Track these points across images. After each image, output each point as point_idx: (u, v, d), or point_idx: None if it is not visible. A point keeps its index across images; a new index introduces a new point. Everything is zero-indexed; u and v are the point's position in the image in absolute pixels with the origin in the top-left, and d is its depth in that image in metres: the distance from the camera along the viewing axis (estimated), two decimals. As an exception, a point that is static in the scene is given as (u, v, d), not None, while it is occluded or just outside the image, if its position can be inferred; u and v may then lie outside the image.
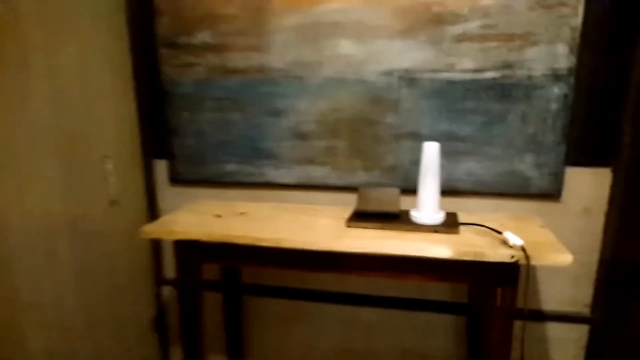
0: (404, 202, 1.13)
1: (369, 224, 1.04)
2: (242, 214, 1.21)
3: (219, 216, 1.19)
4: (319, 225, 1.08)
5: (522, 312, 0.99)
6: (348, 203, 1.28)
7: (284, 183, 1.32)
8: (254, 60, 1.25)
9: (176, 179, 1.40)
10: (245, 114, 1.30)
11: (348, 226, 1.06)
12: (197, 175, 1.37)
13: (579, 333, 1.22)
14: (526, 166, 1.14)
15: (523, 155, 1.14)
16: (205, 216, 1.19)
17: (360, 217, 1.08)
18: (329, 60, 1.21)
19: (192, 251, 1.08)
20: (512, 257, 0.87)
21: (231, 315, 1.42)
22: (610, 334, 1.14)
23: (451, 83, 1.14)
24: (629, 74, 1.06)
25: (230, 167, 1.35)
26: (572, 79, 1.08)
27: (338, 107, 1.23)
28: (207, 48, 1.27)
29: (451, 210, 1.18)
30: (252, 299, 1.45)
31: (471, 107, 1.14)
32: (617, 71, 1.06)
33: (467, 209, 1.20)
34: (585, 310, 1.20)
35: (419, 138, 1.19)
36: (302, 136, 1.28)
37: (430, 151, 1.01)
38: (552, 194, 1.15)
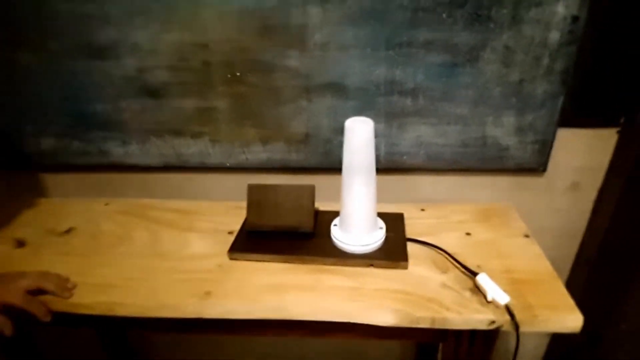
0: (327, 193, 0.73)
1: (266, 254, 0.64)
2: (66, 232, 0.74)
3: (21, 244, 0.72)
4: (185, 258, 0.66)
5: None
6: (244, 192, 0.85)
7: (140, 164, 0.84)
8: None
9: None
10: (45, 54, 0.74)
11: (232, 258, 0.65)
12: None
13: None
14: (503, 131, 0.76)
15: (500, 115, 0.74)
16: (-5, 247, 0.71)
17: (253, 240, 0.67)
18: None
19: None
20: (492, 323, 0.53)
21: None
22: None
23: (394, -4, 0.66)
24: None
25: (47, 143, 0.83)
26: (587, -10, 0.64)
27: (204, 40, 0.71)
28: None
29: (392, 196, 0.80)
30: None
31: (425, 38, 0.68)
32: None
33: (416, 193, 0.83)
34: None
35: (342, 92, 0.74)
36: (151, 92, 0.76)
37: (359, 137, 0.57)
38: (534, 168, 0.79)
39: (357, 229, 0.63)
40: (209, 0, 0.68)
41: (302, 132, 0.78)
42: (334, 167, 0.80)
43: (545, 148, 0.77)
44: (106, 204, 0.82)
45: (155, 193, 0.87)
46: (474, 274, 0.58)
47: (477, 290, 0.57)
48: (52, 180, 0.88)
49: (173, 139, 0.81)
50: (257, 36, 0.70)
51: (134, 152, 0.83)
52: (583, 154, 0.79)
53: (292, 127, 0.78)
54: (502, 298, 0.53)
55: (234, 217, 0.75)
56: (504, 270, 0.60)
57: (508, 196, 0.82)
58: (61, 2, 0.70)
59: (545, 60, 0.69)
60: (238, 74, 0.73)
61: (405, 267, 0.61)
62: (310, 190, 0.67)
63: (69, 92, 0.77)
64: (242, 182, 0.84)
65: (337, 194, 0.80)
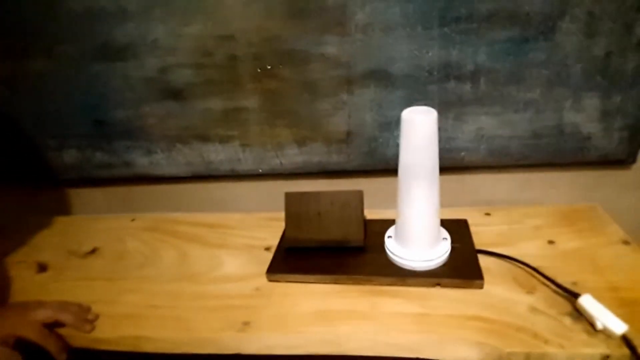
0: (373, 200, 0.63)
1: (310, 275, 0.55)
2: (90, 253, 0.68)
3: (43, 268, 0.66)
4: (218, 280, 0.58)
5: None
6: (279, 201, 0.76)
7: (167, 175, 0.77)
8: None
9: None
10: (60, 59, 0.68)
11: (271, 280, 0.56)
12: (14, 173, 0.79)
13: None
14: (584, 116, 0.63)
15: (580, 98, 0.62)
16: (19, 269, 0.65)
17: (294, 257, 0.58)
18: None
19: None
20: (606, 358, 0.42)
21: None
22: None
23: (449, -38, 0.55)
24: None
25: (69, 156, 0.77)
26: None
27: (229, 31, 0.63)
28: None
29: (448, 199, 0.68)
30: None
31: (488, 10, 0.57)
32: None
33: (477, 194, 0.71)
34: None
35: (388, 81, 0.63)
36: (175, 93, 0.69)
37: (421, 131, 0.47)
38: (622, 160, 0.66)
39: (418, 240, 0.52)
40: (233, -16, 0.59)
41: (343, 130, 0.68)
42: (380, 169, 0.71)
43: (636, 135, 0.64)
44: (132, 220, 0.76)
45: (183, 205, 0.79)
46: (573, 294, 0.46)
47: (580, 315, 0.45)
48: (75, 196, 0.82)
49: (200, 145, 0.73)
50: (288, 22, 0.61)
51: (159, 162, 0.76)
52: (683, 140, 0.65)
53: (332, 124, 0.68)
54: (617, 326, 0.42)
55: (270, 231, 0.67)
56: (608, 288, 0.48)
57: (589, 195, 0.69)
58: (74, 0, 0.63)
59: (638, 28, 0.57)
60: (269, 67, 0.65)
61: (481, 287, 0.50)
62: (359, 197, 0.57)
63: (88, 99, 0.71)
64: (276, 189, 0.76)
65: (384, 200, 0.70)
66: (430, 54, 0.61)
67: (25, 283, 0.63)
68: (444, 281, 0.51)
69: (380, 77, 0.63)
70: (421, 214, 0.51)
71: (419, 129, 0.46)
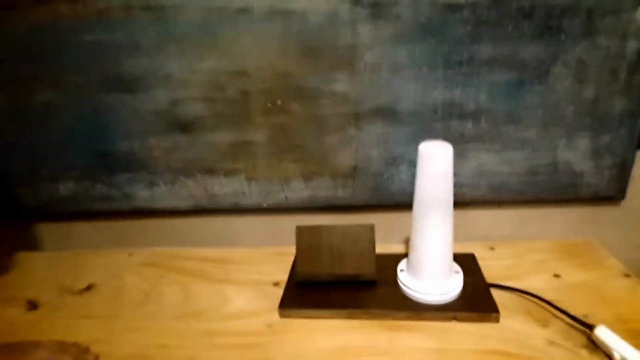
0: (383, 235, 0.63)
1: (325, 309, 0.54)
2: (85, 290, 0.65)
3: (33, 305, 0.62)
4: (227, 317, 0.56)
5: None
6: (284, 236, 0.76)
7: (168, 208, 0.75)
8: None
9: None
10: (67, 89, 0.68)
11: (284, 315, 0.55)
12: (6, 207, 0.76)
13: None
14: (577, 155, 0.67)
15: (573, 137, 0.66)
16: (5, 307, 0.61)
17: (306, 292, 0.57)
18: (214, -26, 0.60)
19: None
20: (627, 393, 0.42)
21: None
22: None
23: (452, 9, 0.60)
24: None
25: (66, 188, 0.75)
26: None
27: (243, 67, 0.65)
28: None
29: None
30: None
31: (488, 54, 0.62)
32: None
33: (477, 229, 0.73)
34: None
35: (394, 118, 0.66)
36: (183, 126, 0.69)
37: (438, 164, 0.49)
38: (612, 196, 0.70)
39: (432, 274, 0.53)
40: (248, 24, 0.62)
41: (350, 164, 0.70)
42: (385, 204, 0.72)
43: (624, 173, 0.68)
44: (130, 255, 0.73)
45: (184, 240, 0.78)
46: (588, 326, 0.47)
47: (596, 347, 0.46)
48: (69, 230, 0.79)
49: (205, 178, 0.73)
50: (301, 60, 0.63)
51: (161, 195, 0.74)
52: (666, 178, 0.70)
53: (339, 159, 0.69)
54: (635, 357, 0.43)
55: (277, 265, 0.66)
56: (618, 320, 0.49)
57: (582, 230, 0.73)
58: (86, 32, 0.64)
59: (623, 74, 0.62)
60: (279, 102, 0.66)
61: (497, 320, 0.50)
62: (370, 231, 0.58)
63: (92, 131, 0.70)
64: (281, 224, 0.75)
65: (390, 235, 0.71)
66: (434, 93, 0.64)
67: (14, 323, 0.59)
68: (460, 315, 0.51)
69: (387, 114, 0.66)
70: (436, 246, 0.52)
71: (436, 162, 0.48)
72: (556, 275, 0.59)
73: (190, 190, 0.74)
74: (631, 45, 0.60)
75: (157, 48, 0.64)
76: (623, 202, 0.71)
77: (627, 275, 0.58)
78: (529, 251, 0.65)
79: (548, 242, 0.67)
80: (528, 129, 0.66)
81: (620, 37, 0.60)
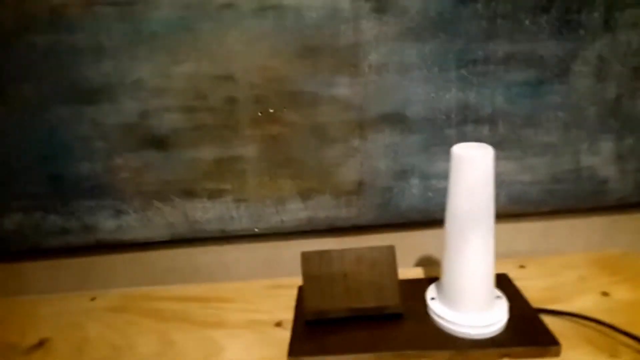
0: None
1: (346, 354, 0.44)
2: (36, 347, 0.51)
3: (-36, 373, 0.48)
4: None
5: None
6: (281, 265, 0.65)
7: (139, 240, 0.63)
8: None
9: None
10: (13, 102, 0.56)
11: (292, 365, 0.44)
12: None
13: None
14: (600, 159, 0.62)
15: (596, 140, 0.61)
16: None
17: (319, 333, 0.47)
18: (194, -37, 0.52)
19: None
20: None
21: None
22: None
23: (464, 2, 0.54)
24: None
25: (11, 220, 0.62)
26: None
27: (228, 71, 0.56)
28: None
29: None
30: None
31: (504, 52, 0.56)
32: None
33: (500, 244, 0.66)
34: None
35: (403, 125, 0.59)
36: (157, 142, 0.59)
37: (479, 169, 0.41)
38: (638, 202, 0.65)
39: (472, 302, 0.44)
40: (234, 20, 0.54)
41: (354, 179, 0.61)
42: (394, 223, 0.63)
43: (649, 176, 0.63)
44: (92, 299, 0.60)
45: (160, 278, 0.65)
46: (667, 355, 0.39)
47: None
48: (15, 271, 0.65)
49: (184, 201, 0.62)
50: (296, 61, 0.55)
51: (130, 225, 0.63)
52: (688, 181, 0.66)
53: (341, 174, 0.61)
54: None
55: (277, 302, 0.55)
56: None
57: (607, 240, 0.67)
58: (38, 33, 0.54)
59: (645, 71, 0.58)
60: (271, 110, 0.57)
61: (557, 354, 0.42)
62: (391, 253, 0.49)
63: (44, 150, 0.58)
64: (276, 252, 0.65)
65: (403, 257, 0.62)
66: (447, 96, 0.57)
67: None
68: (514, 351, 0.42)
69: (395, 120, 0.58)
70: (477, 268, 0.43)
71: (476, 167, 0.40)
72: (604, 294, 0.51)
73: (166, 218, 0.62)
74: (652, 39, 0.57)
75: (124, 50, 0.55)
76: (646, 209, 0.66)
77: (678, 290, 0.52)
78: (563, 268, 0.58)
79: (580, 255, 0.61)
80: (549, 132, 0.60)
81: (640, 31, 0.56)
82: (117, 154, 0.59)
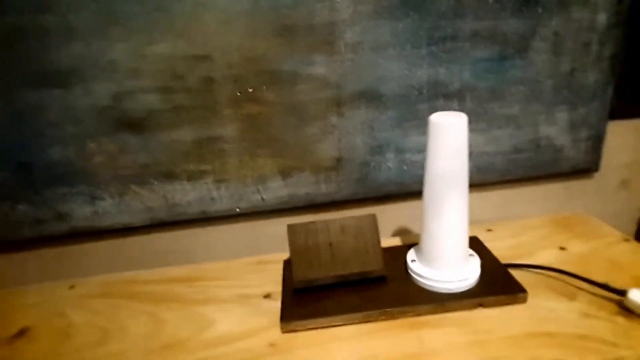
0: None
1: (336, 315, 0.46)
2: (18, 336, 0.50)
3: (-59, 367, 0.46)
4: (216, 343, 0.45)
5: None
6: (263, 243, 0.67)
7: (117, 226, 0.62)
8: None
9: None
10: (-24, 87, 0.53)
11: (288, 330, 0.46)
12: None
13: None
14: (557, 129, 0.67)
15: (552, 111, 0.66)
16: None
17: (308, 300, 0.49)
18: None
19: None
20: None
21: None
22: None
23: (432, -17, 0.56)
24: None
25: (-23, 212, 0.59)
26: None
27: (205, 50, 0.56)
28: None
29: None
30: None
31: (471, 29, 0.59)
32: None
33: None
34: None
35: (378, 101, 0.61)
36: (132, 124, 0.58)
37: (455, 136, 0.44)
38: (588, 168, 0.71)
39: (450, 260, 0.47)
40: (210, -1, 0.54)
41: (333, 156, 0.63)
42: (372, 197, 0.66)
43: (598, 144, 0.69)
44: (71, 287, 0.59)
45: (140, 263, 0.65)
46: (618, 292, 0.44)
47: (630, 312, 0.43)
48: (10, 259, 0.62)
49: (163, 184, 0.61)
50: (273, 40, 0.56)
51: (106, 210, 0.61)
52: (631, 148, 0.73)
53: (320, 151, 0.62)
54: (678, 318, 0.40)
55: (264, 276, 0.56)
56: (637, 284, 0.48)
57: (562, 205, 0.73)
58: (2, 14, 0.51)
59: (595, 46, 0.63)
60: (250, 90, 0.58)
61: (524, 301, 0.46)
62: (373, 221, 0.51)
63: (11, 137, 0.56)
64: (258, 230, 0.66)
65: (381, 228, 0.65)
66: (419, 72, 0.60)
67: None
68: (486, 300, 0.46)
69: (371, 97, 0.61)
70: (454, 229, 0.47)
71: (452, 133, 0.43)
72: (562, 248, 0.57)
73: (145, 202, 0.62)
74: (600, 18, 0.62)
75: (95, 30, 0.53)
76: (596, 174, 0.73)
77: (626, 240, 0.58)
78: (526, 229, 0.63)
79: (541, 218, 0.66)
80: (511, 105, 0.64)
81: (591, 10, 0.61)
82: (90, 139, 0.57)
